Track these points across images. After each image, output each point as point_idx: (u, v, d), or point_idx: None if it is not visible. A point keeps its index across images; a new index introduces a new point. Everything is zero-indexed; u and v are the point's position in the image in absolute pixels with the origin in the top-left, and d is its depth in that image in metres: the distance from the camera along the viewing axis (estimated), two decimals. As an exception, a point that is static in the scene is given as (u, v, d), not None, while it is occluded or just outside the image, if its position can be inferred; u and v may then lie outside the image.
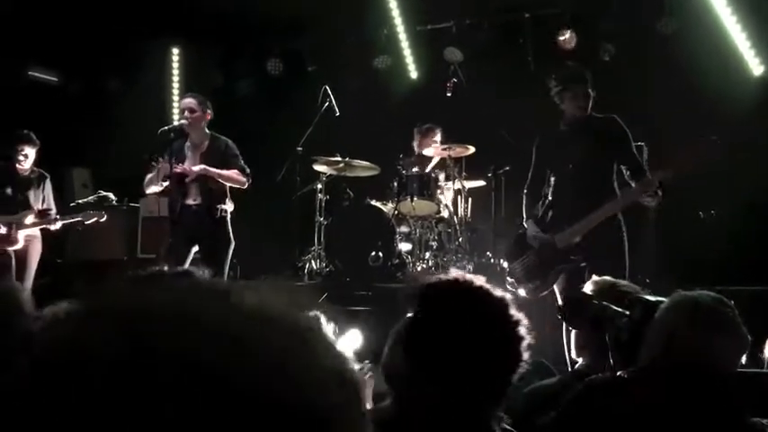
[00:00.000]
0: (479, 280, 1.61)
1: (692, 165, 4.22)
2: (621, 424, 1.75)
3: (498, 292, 1.60)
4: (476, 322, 1.52)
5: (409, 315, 1.61)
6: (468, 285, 1.58)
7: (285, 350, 0.55)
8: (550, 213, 4.81)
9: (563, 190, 4.75)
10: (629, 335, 2.01)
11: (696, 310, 1.93)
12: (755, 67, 6.96)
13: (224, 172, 5.58)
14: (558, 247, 4.61)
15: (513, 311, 1.57)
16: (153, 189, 5.69)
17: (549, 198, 4.83)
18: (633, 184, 4.58)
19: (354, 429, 0.56)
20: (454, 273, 1.63)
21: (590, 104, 4.76)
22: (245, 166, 5.70)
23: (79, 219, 6.39)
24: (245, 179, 5.65)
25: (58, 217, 6.39)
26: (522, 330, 1.55)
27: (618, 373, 1.88)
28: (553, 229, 4.70)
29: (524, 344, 1.55)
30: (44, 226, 6.35)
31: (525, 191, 4.97)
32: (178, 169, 5.48)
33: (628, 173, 4.70)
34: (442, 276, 1.63)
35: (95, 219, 6.38)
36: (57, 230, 6.41)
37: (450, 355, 1.50)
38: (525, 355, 1.55)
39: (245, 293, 0.58)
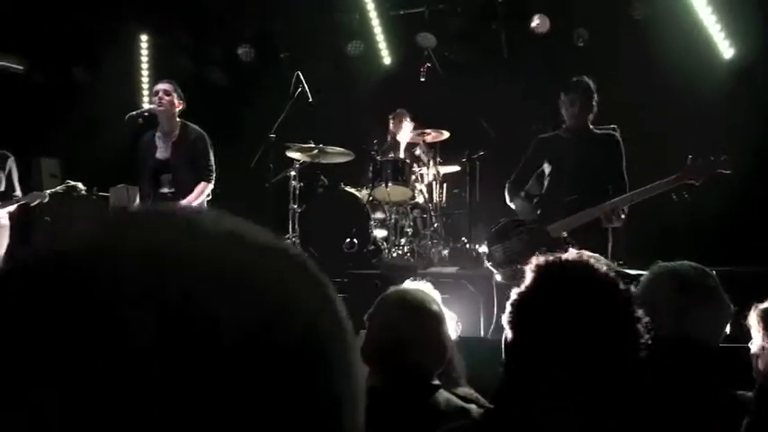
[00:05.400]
0: (597, 263, 1.52)
1: (699, 181, 4.35)
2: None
3: (618, 281, 1.50)
4: (598, 317, 1.43)
5: (517, 293, 1.52)
6: (590, 273, 1.48)
7: (287, 280, 0.49)
8: (539, 211, 4.88)
9: (556, 192, 4.82)
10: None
11: (677, 281, 1.90)
12: (725, 50, 7.01)
13: (196, 198, 5.49)
14: (550, 236, 4.67)
15: (631, 302, 1.48)
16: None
17: (539, 196, 4.90)
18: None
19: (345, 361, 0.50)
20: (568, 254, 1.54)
21: (587, 117, 4.85)
22: (212, 167, 5.58)
23: (24, 201, 6.30)
24: (209, 188, 5.57)
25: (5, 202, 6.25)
26: (640, 326, 1.46)
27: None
28: (542, 223, 4.78)
29: (641, 324, 1.46)
30: None
31: (508, 185, 5.00)
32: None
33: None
34: (551, 257, 1.53)
35: (39, 200, 6.35)
36: (15, 217, 6.28)
37: (563, 346, 1.41)
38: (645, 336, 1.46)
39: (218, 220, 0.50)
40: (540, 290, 1.48)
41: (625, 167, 4.88)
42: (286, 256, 0.51)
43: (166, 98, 5.49)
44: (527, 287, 1.50)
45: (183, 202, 5.42)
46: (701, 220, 6.35)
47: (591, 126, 4.94)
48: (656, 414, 1.68)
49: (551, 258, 1.52)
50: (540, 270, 1.50)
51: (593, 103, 4.91)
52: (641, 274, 2.02)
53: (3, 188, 6.26)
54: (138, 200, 5.79)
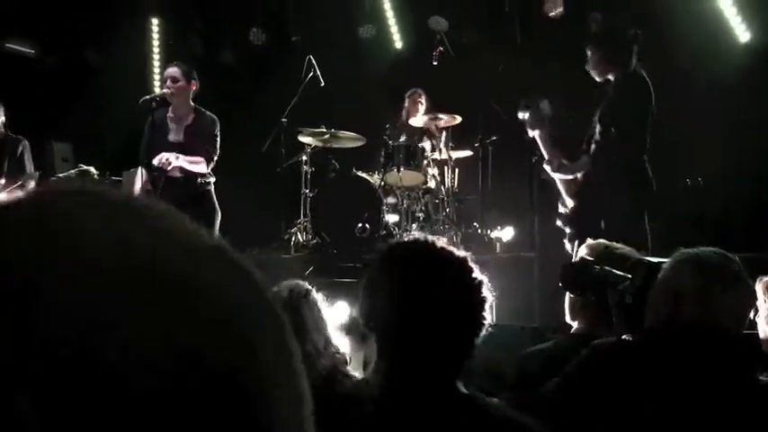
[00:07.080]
0: (440, 241, 1.60)
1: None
2: (629, 389, 1.71)
3: (460, 252, 1.59)
4: (437, 283, 1.52)
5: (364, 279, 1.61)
6: (428, 246, 1.57)
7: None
8: None
9: None
10: (633, 298, 1.96)
11: (701, 267, 1.87)
12: (742, 34, 6.92)
13: (193, 163, 5.45)
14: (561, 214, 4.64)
15: (476, 273, 1.55)
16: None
17: None
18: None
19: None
20: (415, 234, 1.65)
21: (595, 70, 4.73)
22: (215, 152, 5.54)
23: (19, 183, 6.22)
24: (203, 167, 5.51)
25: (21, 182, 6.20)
26: (485, 292, 1.54)
27: (623, 337, 1.84)
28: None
29: (487, 305, 1.53)
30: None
31: None
32: (155, 161, 5.35)
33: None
34: (403, 239, 1.63)
35: (30, 180, 6.15)
36: None
37: (409, 319, 1.50)
38: (488, 318, 1.54)
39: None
40: (380, 269, 1.60)
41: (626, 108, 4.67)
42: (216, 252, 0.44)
43: (174, 85, 5.43)
44: (375, 275, 1.61)
45: (181, 157, 5.38)
46: (726, 206, 6.29)
47: (598, 79, 4.81)
48: (680, 402, 1.67)
49: (398, 241, 1.67)
50: (383, 250, 1.64)
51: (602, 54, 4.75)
52: (663, 262, 2.00)
53: (7, 170, 6.20)
54: (144, 183, 5.74)
